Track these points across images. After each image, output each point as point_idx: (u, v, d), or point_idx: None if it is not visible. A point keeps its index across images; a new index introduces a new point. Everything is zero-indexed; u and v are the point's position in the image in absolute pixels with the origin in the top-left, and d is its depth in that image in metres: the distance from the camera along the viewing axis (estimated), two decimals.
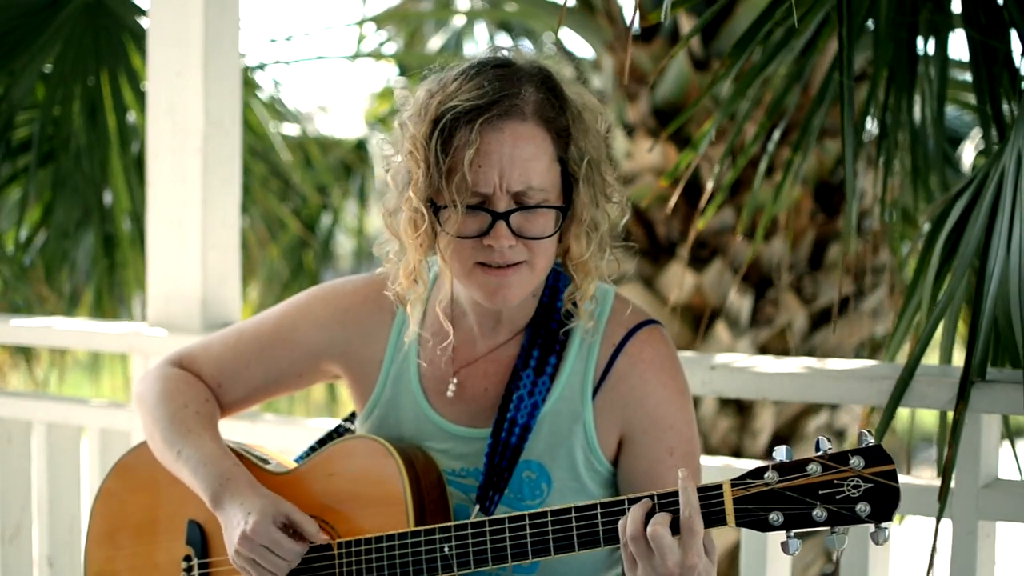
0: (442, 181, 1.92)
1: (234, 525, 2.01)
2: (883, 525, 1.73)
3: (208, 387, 2.23)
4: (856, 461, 1.74)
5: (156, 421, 2.17)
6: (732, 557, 4.73)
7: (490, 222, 1.93)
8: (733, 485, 1.79)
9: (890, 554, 2.56)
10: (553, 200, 1.96)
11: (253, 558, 1.99)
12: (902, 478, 2.48)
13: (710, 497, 1.80)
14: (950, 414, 2.51)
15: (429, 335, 2.14)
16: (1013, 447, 2.48)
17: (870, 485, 1.73)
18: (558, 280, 2.10)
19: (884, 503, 1.73)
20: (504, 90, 1.93)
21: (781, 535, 1.79)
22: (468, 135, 1.90)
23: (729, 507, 1.78)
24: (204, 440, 2.12)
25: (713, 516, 1.79)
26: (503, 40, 7.33)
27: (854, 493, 1.73)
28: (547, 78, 1.99)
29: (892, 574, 2.57)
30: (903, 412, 2.55)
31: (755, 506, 1.77)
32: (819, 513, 1.74)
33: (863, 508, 1.73)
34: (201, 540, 2.15)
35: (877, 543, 1.73)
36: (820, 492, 1.75)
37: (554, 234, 1.97)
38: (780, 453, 1.78)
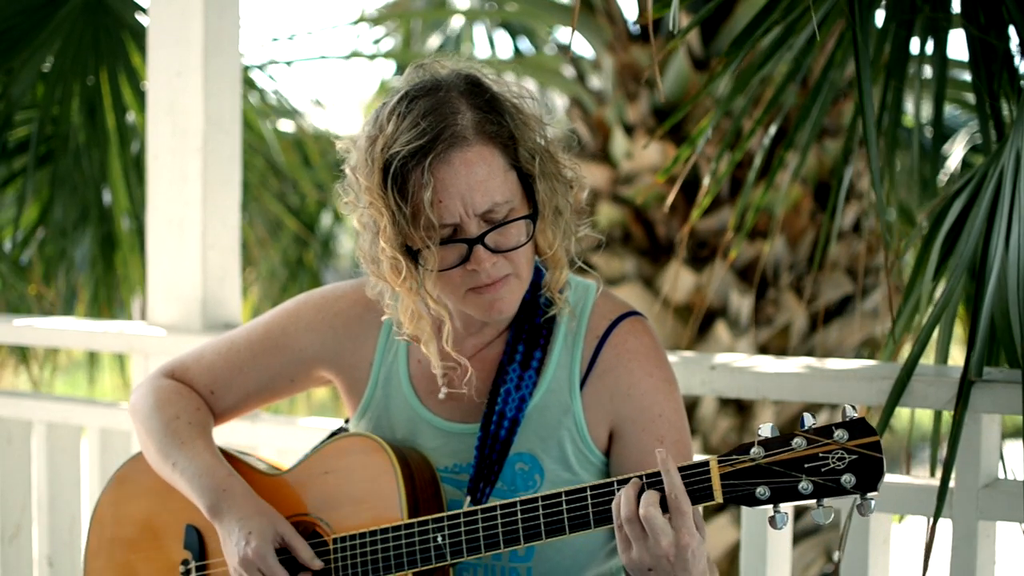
0: (409, 227, 1.94)
1: (233, 543, 2.03)
2: (868, 496, 1.75)
3: (201, 396, 2.24)
4: (840, 434, 1.76)
5: (150, 433, 2.19)
6: (732, 557, 4.74)
7: (467, 249, 1.95)
8: (719, 461, 1.81)
9: (890, 554, 2.56)
10: (519, 206, 1.99)
11: None
12: (902, 478, 2.50)
13: (697, 474, 1.82)
14: (947, 414, 2.51)
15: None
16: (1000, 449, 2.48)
17: (855, 457, 1.75)
18: (538, 276, 2.13)
19: (869, 474, 1.75)
20: (441, 121, 1.93)
21: (771, 510, 1.80)
22: (421, 177, 1.91)
23: (716, 483, 1.80)
24: (198, 450, 2.14)
25: (701, 492, 1.81)
26: (503, 39, 7.33)
27: (839, 465, 1.75)
28: (475, 85, 2.00)
29: (892, 574, 2.57)
30: (904, 412, 2.55)
31: (742, 481, 1.79)
32: (805, 486, 1.76)
33: (848, 479, 1.75)
34: (199, 544, 2.16)
35: (863, 514, 1.76)
36: (806, 465, 1.77)
37: (530, 240, 2.00)
38: (765, 429, 1.81)
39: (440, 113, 1.94)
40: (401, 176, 1.93)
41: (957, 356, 2.57)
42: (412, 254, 1.98)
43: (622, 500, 1.83)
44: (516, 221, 1.97)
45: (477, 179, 1.93)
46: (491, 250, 1.95)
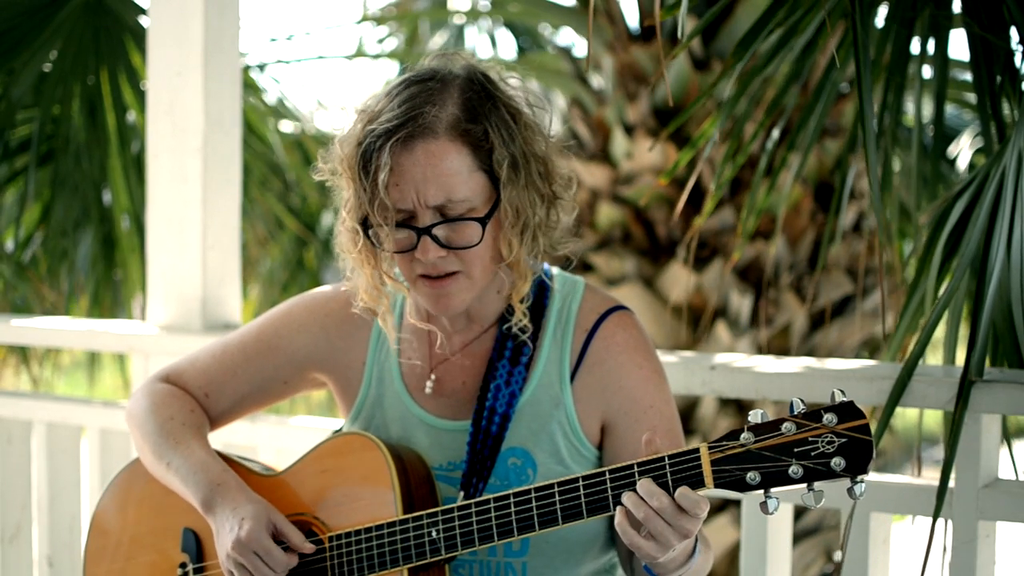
0: (368, 204, 1.98)
1: (227, 529, 2.03)
2: (858, 479, 1.75)
3: (195, 399, 2.25)
4: (829, 418, 1.77)
5: (145, 436, 2.20)
6: (732, 557, 4.74)
7: (416, 237, 1.98)
8: (710, 448, 1.82)
9: (890, 554, 2.56)
10: (479, 208, 1.99)
11: (243, 563, 2.01)
12: (902, 478, 2.49)
13: (688, 461, 1.82)
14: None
15: (409, 335, 2.19)
16: (1011, 448, 2.48)
17: (844, 440, 1.76)
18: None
19: (858, 456, 1.75)
20: (416, 108, 1.96)
21: (762, 495, 1.81)
22: (381, 158, 1.95)
23: (707, 469, 1.81)
24: (192, 449, 2.15)
25: (692, 479, 1.82)
26: (506, 38, 7.33)
27: (828, 449, 1.76)
28: (474, 83, 2.01)
29: (892, 574, 2.57)
30: (911, 413, 2.55)
31: (732, 467, 1.80)
32: (795, 470, 1.77)
33: (838, 462, 1.75)
34: (196, 547, 2.16)
35: (853, 497, 1.76)
36: (795, 450, 1.77)
37: (480, 242, 2.00)
38: (755, 416, 1.81)
39: (420, 100, 1.97)
40: (368, 154, 1.97)
41: (957, 356, 2.57)
42: (365, 229, 2.01)
43: (644, 492, 1.81)
44: (468, 221, 1.98)
45: (435, 172, 1.95)
46: (440, 244, 1.97)
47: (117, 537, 2.26)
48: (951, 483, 2.38)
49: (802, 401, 1.80)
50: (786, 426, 1.78)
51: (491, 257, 2.03)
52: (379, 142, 1.96)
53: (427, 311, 2.15)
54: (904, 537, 3.15)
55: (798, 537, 4.98)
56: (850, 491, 1.76)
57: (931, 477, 2.50)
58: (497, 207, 2.00)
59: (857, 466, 1.75)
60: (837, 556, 2.43)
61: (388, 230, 1.97)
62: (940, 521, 2.32)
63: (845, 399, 1.78)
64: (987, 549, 2.41)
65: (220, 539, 2.05)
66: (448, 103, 1.98)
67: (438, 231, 1.97)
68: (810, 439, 1.77)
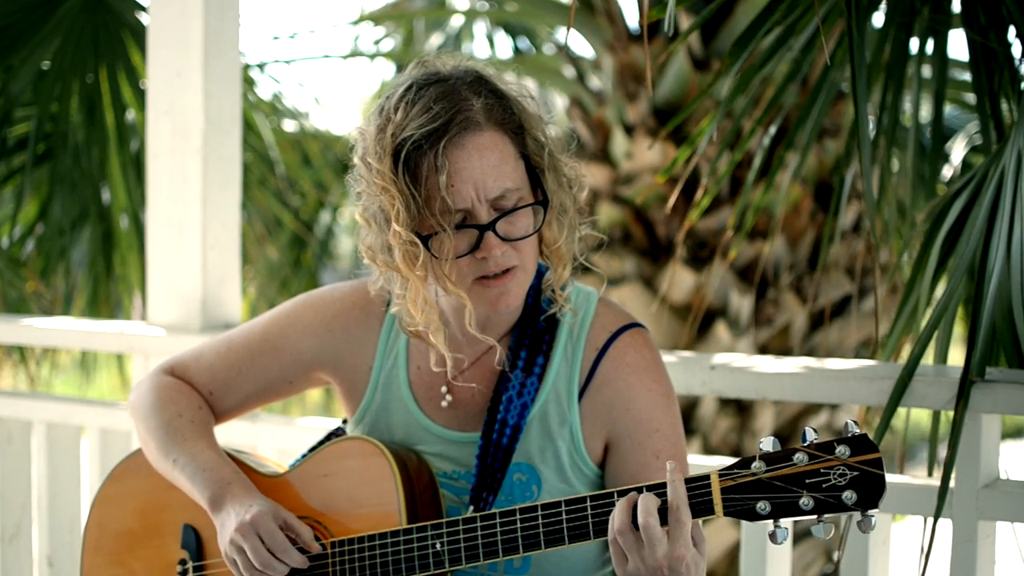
0: (423, 211, 1.93)
1: (233, 518, 2.02)
2: (869, 513, 1.74)
3: (201, 395, 2.24)
4: (842, 450, 1.76)
5: (151, 430, 2.18)
6: (732, 557, 4.74)
7: (478, 236, 1.95)
8: (721, 475, 1.80)
9: (890, 554, 2.56)
10: (527, 196, 1.99)
11: (244, 547, 1.99)
12: (902, 478, 2.50)
13: (698, 487, 1.81)
14: (945, 414, 2.51)
15: (422, 345, 2.15)
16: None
17: (856, 473, 1.74)
18: (540, 279, 2.12)
19: (870, 491, 1.74)
20: (452, 106, 1.94)
21: (771, 525, 1.80)
22: (435, 161, 1.91)
23: (717, 497, 1.80)
24: (200, 447, 2.13)
25: (701, 506, 1.81)
26: (503, 39, 7.34)
27: (840, 481, 1.75)
28: (480, 80, 2.01)
29: (892, 574, 2.58)
30: (901, 411, 2.56)
31: (742, 496, 1.79)
32: (806, 502, 1.76)
33: (849, 496, 1.74)
34: (196, 543, 2.15)
35: (863, 531, 1.75)
36: (807, 481, 1.76)
37: (538, 229, 2.00)
38: (767, 443, 1.80)
39: (452, 99, 1.94)
40: (413, 160, 1.93)
41: (956, 356, 2.57)
42: (423, 240, 1.97)
43: (616, 512, 1.82)
44: (525, 208, 1.97)
45: (489, 164, 1.94)
46: (501, 238, 1.95)
47: (116, 528, 2.25)
48: (951, 483, 2.38)
49: (815, 430, 1.79)
50: (798, 456, 1.77)
51: (538, 247, 2.04)
52: (427, 145, 1.92)
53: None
54: (904, 537, 3.15)
55: (798, 537, 4.98)
56: (860, 525, 1.74)
57: (931, 477, 2.50)
58: (544, 191, 2.00)
59: (868, 500, 1.73)
60: (837, 556, 2.44)
61: (449, 234, 1.94)
62: (939, 521, 2.32)
63: (859, 432, 1.76)
64: (987, 549, 2.41)
65: (224, 533, 2.03)
66: (473, 97, 1.96)
67: (500, 225, 1.95)
68: (822, 471, 1.75)
